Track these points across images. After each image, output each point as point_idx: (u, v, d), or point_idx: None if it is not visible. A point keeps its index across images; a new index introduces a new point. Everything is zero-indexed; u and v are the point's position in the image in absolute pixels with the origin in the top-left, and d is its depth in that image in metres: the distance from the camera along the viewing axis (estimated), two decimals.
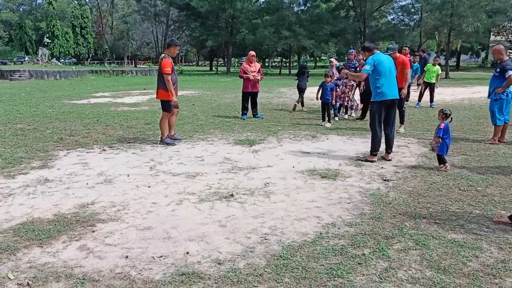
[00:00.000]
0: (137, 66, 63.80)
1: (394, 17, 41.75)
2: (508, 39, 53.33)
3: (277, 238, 3.71)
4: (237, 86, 22.87)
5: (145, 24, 63.04)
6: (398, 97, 6.50)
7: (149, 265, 3.25)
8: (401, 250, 3.44)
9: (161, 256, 3.38)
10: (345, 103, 10.98)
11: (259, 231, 3.87)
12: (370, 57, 6.31)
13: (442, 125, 5.83)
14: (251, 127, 9.53)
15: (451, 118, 5.98)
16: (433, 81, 13.55)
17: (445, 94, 17.96)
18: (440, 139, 5.78)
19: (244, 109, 10.92)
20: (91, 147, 7.46)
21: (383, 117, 6.36)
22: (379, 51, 6.41)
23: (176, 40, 8.13)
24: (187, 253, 3.44)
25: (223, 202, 4.66)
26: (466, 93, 18.84)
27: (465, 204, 4.48)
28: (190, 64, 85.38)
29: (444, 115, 5.93)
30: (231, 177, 5.61)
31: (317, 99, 10.29)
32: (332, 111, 10.28)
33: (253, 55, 11.20)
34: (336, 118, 10.44)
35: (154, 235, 3.81)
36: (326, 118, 9.82)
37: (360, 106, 11.07)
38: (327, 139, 8.20)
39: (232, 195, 4.85)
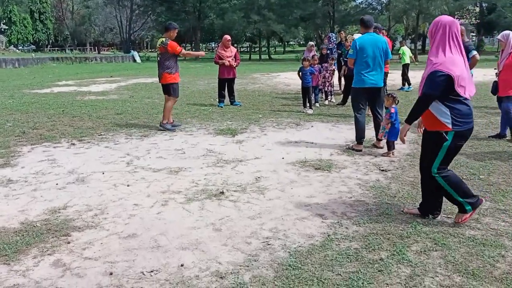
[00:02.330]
0: (101, 52, 61.56)
1: (362, 1, 41.78)
2: (471, 22, 54.47)
3: (281, 242, 3.30)
4: (208, 72, 22.25)
5: (108, 9, 60.60)
6: (382, 85, 6.09)
7: (139, 283, 2.78)
8: (421, 252, 3.10)
9: (152, 271, 2.91)
10: (325, 89, 10.61)
11: (259, 234, 3.45)
12: (354, 39, 5.99)
13: (393, 110, 5.62)
14: (230, 115, 9.05)
15: (398, 101, 5.79)
16: (408, 61, 13.42)
17: (418, 78, 17.91)
18: (389, 125, 5.57)
19: (221, 96, 10.40)
20: (58, 141, 6.81)
21: (365, 103, 6.08)
22: (371, 31, 5.99)
23: (174, 23, 7.80)
24: (182, 265, 2.99)
25: (213, 201, 4.21)
26: None
27: None
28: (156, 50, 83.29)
29: (393, 99, 5.71)
30: (218, 172, 5.15)
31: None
32: (313, 97, 9.90)
33: (229, 39, 10.63)
34: (317, 104, 10.07)
35: (141, 244, 3.33)
36: (307, 105, 9.44)
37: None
38: (312, 126, 7.84)
39: (222, 192, 4.40)
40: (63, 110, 9.75)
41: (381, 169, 5.14)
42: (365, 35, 5.87)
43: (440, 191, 3.54)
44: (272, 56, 47.01)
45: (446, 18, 3.43)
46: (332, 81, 10.79)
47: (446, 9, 33.56)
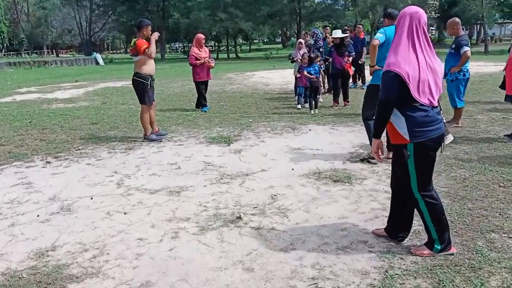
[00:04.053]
0: (60, 55, 59.00)
1: None
2: (431, 16, 55.65)
3: (332, 284, 2.73)
4: (179, 73, 21.41)
5: (66, 9, 58.05)
6: None
7: None
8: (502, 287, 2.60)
9: None
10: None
11: (302, 274, 2.86)
12: (382, 28, 5.35)
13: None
14: (218, 121, 8.39)
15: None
16: None
17: None
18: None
19: (204, 99, 9.69)
20: (31, 159, 5.98)
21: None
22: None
23: (145, 20, 6.88)
24: None
25: (231, 229, 3.59)
26: None
27: None
28: (118, 52, 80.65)
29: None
30: (226, 190, 4.52)
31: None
32: (302, 98, 9.39)
33: (203, 38, 9.93)
34: (299, 107, 9.49)
35: None
36: (313, 105, 8.94)
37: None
38: (310, 130, 7.30)
39: (239, 217, 3.78)
40: (30, 122, 8.81)
41: None
42: (393, 27, 5.23)
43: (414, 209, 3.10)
44: (239, 55, 46.33)
45: (411, 9, 2.87)
46: (320, 80, 10.29)
47: (409, 3, 33.96)
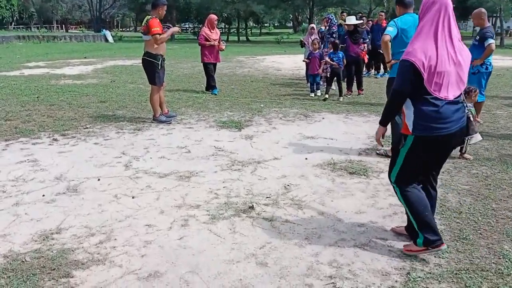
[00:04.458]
0: (69, 31, 58.66)
1: None
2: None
3: (351, 284, 2.58)
4: (188, 54, 21.14)
5: None
6: None
7: None
8: None
9: None
10: (327, 74, 9.81)
11: (318, 271, 2.71)
12: (394, 19, 5.07)
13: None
14: (228, 104, 8.20)
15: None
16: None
17: None
18: None
19: (213, 81, 9.49)
20: (38, 136, 5.84)
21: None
22: (411, 12, 4.95)
23: None
24: None
25: (244, 219, 3.44)
26: None
27: None
28: (128, 30, 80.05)
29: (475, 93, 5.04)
30: (237, 177, 4.36)
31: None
32: (314, 85, 9.17)
33: (216, 19, 9.70)
34: (318, 93, 9.28)
35: None
36: (338, 92, 8.86)
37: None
38: (323, 118, 7.10)
39: (252, 207, 3.63)
40: (37, 97, 8.66)
41: None
42: (404, 16, 4.90)
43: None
44: (250, 38, 45.78)
45: None
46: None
47: None
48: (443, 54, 2.53)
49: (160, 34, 6.29)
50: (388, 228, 3.29)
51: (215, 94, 9.26)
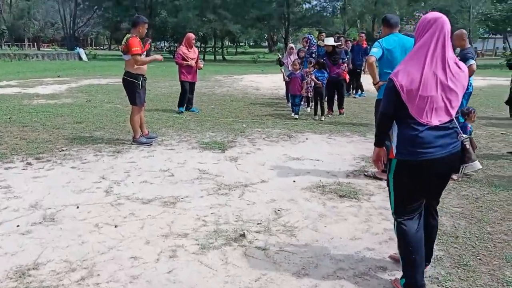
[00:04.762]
0: (41, 49, 57.58)
1: (316, 3, 41.71)
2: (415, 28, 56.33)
3: None
4: (165, 73, 20.92)
5: (50, 2, 56.86)
6: None
7: None
8: None
9: None
10: (308, 95, 9.80)
11: None
12: (378, 40, 5.06)
13: (469, 127, 4.99)
14: (210, 125, 8.05)
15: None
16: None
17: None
18: None
19: (184, 99, 9.36)
20: (10, 160, 5.53)
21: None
22: (396, 32, 4.98)
23: (143, 17, 6.47)
24: None
25: (235, 248, 3.26)
26: None
27: None
28: (102, 48, 79.25)
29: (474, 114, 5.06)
30: (225, 202, 4.19)
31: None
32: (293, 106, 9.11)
33: (194, 38, 9.63)
34: (296, 116, 9.12)
35: None
36: (318, 112, 8.89)
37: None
38: (307, 139, 7.02)
39: (243, 235, 3.46)
40: (9, 118, 8.30)
41: None
42: (390, 36, 4.91)
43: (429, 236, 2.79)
44: (226, 57, 45.95)
45: (432, 14, 2.54)
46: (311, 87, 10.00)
47: (398, 14, 34.20)
48: (428, 78, 2.43)
49: (140, 55, 6.12)
50: (386, 255, 3.18)
51: (182, 112, 9.13)
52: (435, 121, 2.47)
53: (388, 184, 2.70)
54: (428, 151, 2.46)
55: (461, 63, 2.54)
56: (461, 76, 2.50)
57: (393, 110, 2.53)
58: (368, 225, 3.71)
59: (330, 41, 9.42)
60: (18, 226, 3.60)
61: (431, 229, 2.75)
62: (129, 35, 6.17)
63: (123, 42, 6.27)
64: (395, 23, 4.95)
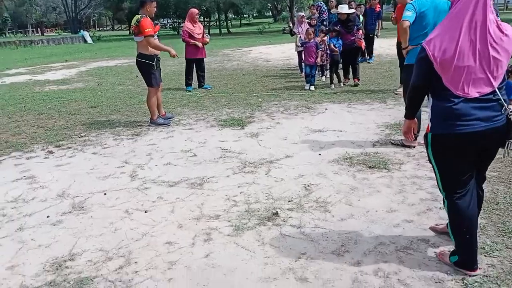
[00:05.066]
0: (45, 34, 57.28)
1: None
2: None
3: None
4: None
5: None
6: None
7: None
8: None
9: None
10: (323, 63, 9.52)
11: (365, 283, 2.50)
12: (411, 1, 4.73)
13: None
14: (225, 101, 7.92)
15: None
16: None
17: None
18: None
19: (190, 79, 9.22)
20: (31, 149, 5.50)
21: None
22: None
23: None
24: None
25: (270, 228, 3.20)
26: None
27: None
28: (104, 29, 78.56)
29: None
30: (252, 181, 4.11)
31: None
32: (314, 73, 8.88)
33: (197, 13, 9.36)
34: (308, 87, 8.90)
35: None
36: (335, 79, 8.77)
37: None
38: (326, 109, 6.87)
39: (276, 213, 3.39)
40: (24, 106, 8.26)
41: None
42: None
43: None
44: (231, 30, 45.23)
45: None
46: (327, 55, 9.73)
47: None
48: (465, 47, 2.20)
49: (152, 36, 5.97)
50: (426, 227, 3.08)
51: (189, 91, 9.00)
52: (473, 93, 2.25)
53: (430, 161, 2.53)
54: (466, 124, 2.26)
55: (504, 25, 2.25)
56: (504, 41, 2.22)
57: (425, 81, 2.35)
58: (403, 196, 3.60)
59: (344, 9, 8.98)
60: (48, 217, 3.57)
61: (479, 201, 2.60)
62: (139, 16, 5.99)
63: (133, 23, 6.10)
64: None
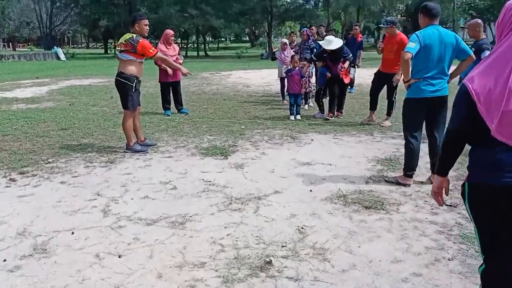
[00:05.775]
0: (17, 49, 55.86)
1: None
2: (397, 19, 56.40)
3: None
4: (149, 71, 20.15)
5: (25, 1, 55.11)
6: (447, 94, 4.48)
7: None
8: None
9: None
10: (307, 90, 9.32)
11: None
12: (416, 32, 4.44)
13: None
14: (206, 127, 7.55)
15: None
16: None
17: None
18: None
19: (167, 103, 8.85)
20: None
21: (422, 119, 4.54)
22: (436, 24, 4.43)
23: (139, 14, 5.93)
24: None
25: (264, 280, 2.81)
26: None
27: None
28: (79, 46, 77.42)
29: None
30: (240, 220, 3.73)
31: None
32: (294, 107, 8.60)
33: (172, 35, 8.99)
34: (292, 118, 8.57)
35: None
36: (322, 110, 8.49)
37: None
38: (312, 140, 6.59)
39: (269, 262, 3.01)
40: None
41: (447, 204, 4.00)
42: (429, 28, 4.35)
43: None
44: (208, 53, 45.24)
45: None
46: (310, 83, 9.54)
47: (380, 5, 33.99)
48: None
49: (157, 52, 5.84)
50: (438, 282, 2.76)
51: (168, 116, 8.63)
52: None
53: (469, 216, 2.11)
54: (508, 175, 1.88)
55: None
56: None
57: (466, 126, 1.95)
58: (407, 243, 3.29)
59: (333, 43, 8.43)
60: (5, 260, 3.08)
61: None
62: (134, 35, 5.62)
63: (123, 40, 5.72)
64: (436, 13, 4.36)
